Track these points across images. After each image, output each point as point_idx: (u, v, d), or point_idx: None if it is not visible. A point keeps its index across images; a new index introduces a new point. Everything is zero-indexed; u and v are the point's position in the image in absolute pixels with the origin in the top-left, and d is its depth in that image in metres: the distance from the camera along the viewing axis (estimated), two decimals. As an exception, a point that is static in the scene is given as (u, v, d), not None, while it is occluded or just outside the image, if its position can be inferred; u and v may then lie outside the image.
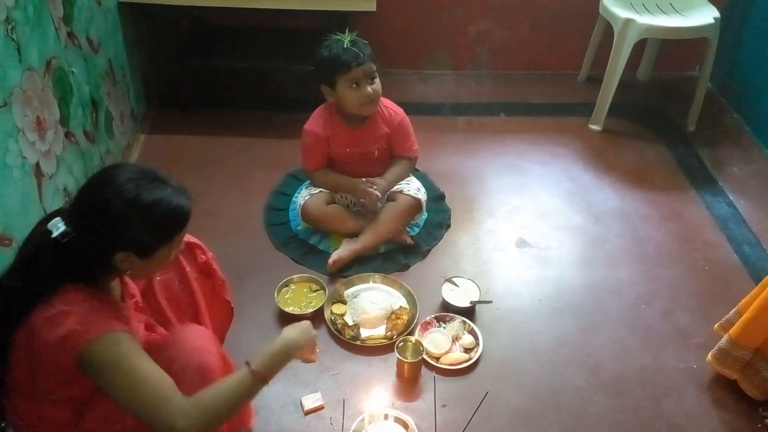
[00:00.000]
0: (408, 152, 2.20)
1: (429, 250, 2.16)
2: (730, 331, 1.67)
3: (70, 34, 1.96)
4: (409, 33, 3.04)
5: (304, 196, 2.17)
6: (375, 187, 2.08)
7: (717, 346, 1.72)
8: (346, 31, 2.01)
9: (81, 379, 1.13)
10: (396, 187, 2.17)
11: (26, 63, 1.68)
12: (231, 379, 1.19)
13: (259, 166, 2.49)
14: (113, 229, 1.13)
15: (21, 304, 1.12)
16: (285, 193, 2.36)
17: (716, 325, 1.78)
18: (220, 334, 1.57)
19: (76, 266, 1.14)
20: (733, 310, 1.72)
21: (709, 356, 1.75)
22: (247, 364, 1.21)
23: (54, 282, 1.13)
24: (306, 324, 1.36)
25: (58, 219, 1.14)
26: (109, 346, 1.10)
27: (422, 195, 2.17)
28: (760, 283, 1.64)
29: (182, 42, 2.84)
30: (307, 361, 1.37)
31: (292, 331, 1.31)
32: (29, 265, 1.15)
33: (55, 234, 1.13)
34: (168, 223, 1.17)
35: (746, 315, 1.62)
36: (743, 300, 1.69)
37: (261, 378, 1.20)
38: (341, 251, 2.05)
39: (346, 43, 1.96)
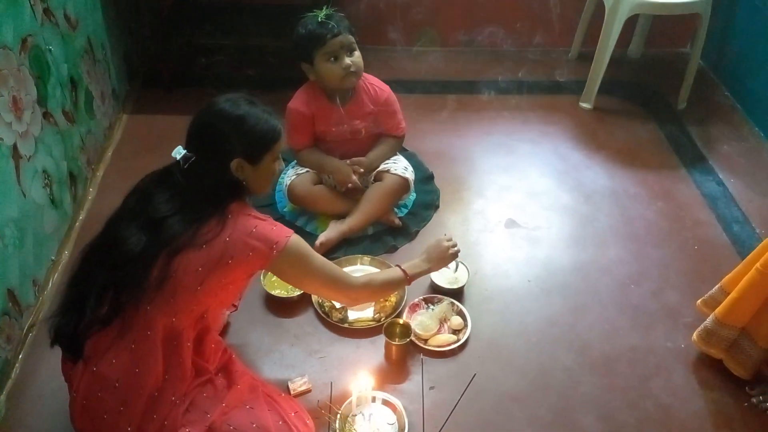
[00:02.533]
0: (395, 130, 2.17)
1: (417, 232, 2.14)
2: (716, 311, 1.66)
3: (46, 11, 1.90)
4: (397, 9, 2.98)
5: (290, 176, 2.13)
6: (360, 171, 2.06)
7: (702, 326, 1.72)
8: (324, 7, 1.96)
9: (244, 282, 1.47)
10: (383, 167, 2.14)
11: (1, 41, 1.62)
12: (388, 270, 1.71)
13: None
14: (219, 140, 1.36)
15: (174, 227, 1.31)
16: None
17: (699, 301, 1.79)
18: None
19: (211, 183, 1.35)
20: (717, 286, 1.72)
21: (694, 336, 1.75)
22: (398, 266, 1.69)
23: (211, 203, 1.34)
24: (447, 237, 1.80)
25: (179, 147, 1.37)
26: (300, 240, 1.44)
27: (410, 174, 2.15)
28: (744, 261, 1.64)
29: (165, 19, 2.76)
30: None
31: (433, 254, 1.75)
32: (173, 194, 1.34)
33: (178, 158, 1.35)
34: (260, 133, 1.38)
35: (732, 295, 1.61)
36: (727, 277, 1.69)
37: (405, 274, 1.67)
38: (329, 233, 2.02)
39: (321, 17, 1.92)
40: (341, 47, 1.94)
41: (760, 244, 1.60)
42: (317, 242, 1.98)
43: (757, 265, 1.54)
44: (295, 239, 1.42)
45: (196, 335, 1.41)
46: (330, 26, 1.91)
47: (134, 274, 1.29)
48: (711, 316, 1.68)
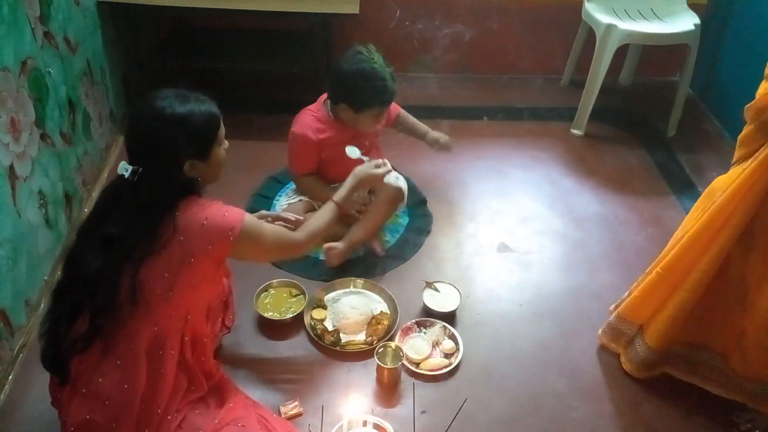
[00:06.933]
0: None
1: (409, 257, 2.15)
2: (619, 308, 1.77)
3: (46, 34, 1.93)
4: (391, 36, 3.03)
5: (282, 205, 2.14)
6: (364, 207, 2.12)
7: (606, 323, 1.83)
8: (372, 48, 1.99)
9: (215, 274, 1.43)
10: None
11: (1, 63, 1.64)
12: (322, 209, 1.73)
13: (240, 169, 2.46)
14: (167, 147, 1.32)
15: (129, 244, 1.30)
16: (266, 196, 2.34)
17: (612, 306, 1.87)
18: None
19: (164, 189, 1.32)
20: (626, 293, 1.81)
21: (599, 332, 1.85)
22: (331, 198, 1.74)
23: (162, 207, 1.32)
24: (370, 164, 1.81)
25: (123, 162, 1.32)
26: (252, 220, 1.44)
27: (402, 183, 2.14)
28: (650, 267, 1.72)
29: (163, 43, 2.81)
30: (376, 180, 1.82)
31: (357, 168, 1.80)
32: (125, 209, 1.32)
33: (127, 174, 1.31)
34: (205, 125, 1.36)
35: (635, 293, 1.72)
36: (636, 283, 1.77)
37: (338, 206, 1.72)
38: (334, 243, 2.04)
39: (389, 79, 1.95)
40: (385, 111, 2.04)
41: (663, 252, 1.68)
42: (325, 246, 2.01)
43: (657, 268, 1.63)
44: (249, 220, 1.42)
45: (200, 347, 1.44)
46: (393, 94, 1.98)
47: (102, 296, 1.29)
48: (614, 314, 1.79)
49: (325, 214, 1.71)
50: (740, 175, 1.46)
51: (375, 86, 1.93)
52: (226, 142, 1.47)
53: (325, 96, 2.09)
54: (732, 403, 1.70)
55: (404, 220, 2.28)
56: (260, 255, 1.57)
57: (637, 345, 1.74)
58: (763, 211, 1.47)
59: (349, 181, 1.77)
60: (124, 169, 1.32)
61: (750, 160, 1.46)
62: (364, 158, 1.90)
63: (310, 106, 2.10)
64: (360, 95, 1.95)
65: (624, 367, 1.79)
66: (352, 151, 1.95)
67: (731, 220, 1.49)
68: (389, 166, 1.84)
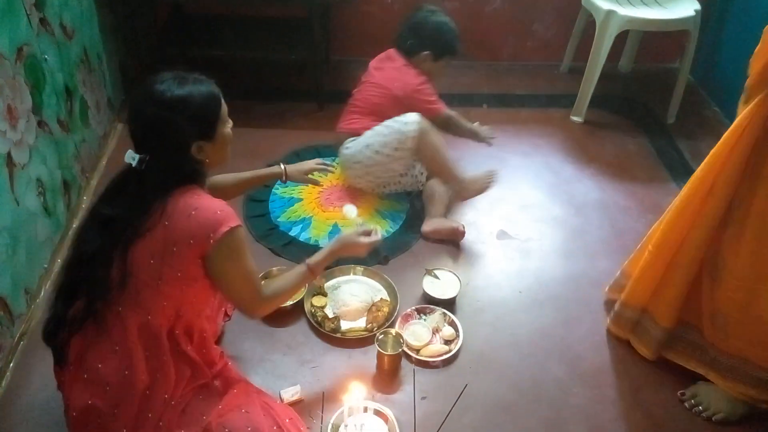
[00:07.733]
0: None
1: (411, 244, 2.15)
2: (622, 295, 1.76)
3: (42, 21, 1.91)
4: (390, 22, 2.99)
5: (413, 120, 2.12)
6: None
7: (613, 311, 1.82)
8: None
9: (196, 271, 1.34)
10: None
11: (-4, 50, 1.63)
12: (292, 271, 1.55)
13: (238, 156, 2.39)
14: (172, 131, 1.29)
15: (127, 223, 1.29)
16: (265, 185, 2.33)
17: (606, 288, 1.91)
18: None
19: (172, 174, 1.31)
20: (619, 271, 1.83)
21: (608, 323, 1.86)
22: (305, 260, 1.56)
23: (157, 194, 1.29)
24: (358, 231, 1.65)
25: (129, 151, 1.30)
26: (240, 235, 1.34)
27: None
28: (641, 243, 1.74)
29: (161, 30, 2.79)
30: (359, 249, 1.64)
31: (343, 234, 1.65)
32: (127, 195, 1.31)
33: (134, 164, 1.29)
34: (207, 105, 1.33)
35: (636, 276, 1.71)
36: (626, 261, 1.80)
37: (311, 270, 1.55)
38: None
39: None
40: None
41: (652, 228, 1.70)
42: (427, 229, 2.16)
43: (649, 246, 1.64)
44: (239, 231, 1.33)
45: (199, 339, 1.44)
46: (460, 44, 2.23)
47: (96, 277, 1.30)
48: (618, 301, 1.79)
49: (294, 277, 1.54)
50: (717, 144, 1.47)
51: (453, 37, 2.22)
52: (230, 120, 1.44)
53: (393, 52, 2.26)
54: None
55: (405, 208, 2.27)
56: (228, 277, 1.37)
57: (648, 327, 1.73)
58: (743, 186, 1.48)
59: (329, 246, 1.61)
60: (131, 158, 1.30)
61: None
62: (359, 220, 1.90)
63: (397, 64, 2.23)
64: (442, 43, 2.20)
65: (639, 351, 1.78)
66: (350, 210, 1.95)
67: (714, 190, 1.49)
68: (379, 234, 1.68)
